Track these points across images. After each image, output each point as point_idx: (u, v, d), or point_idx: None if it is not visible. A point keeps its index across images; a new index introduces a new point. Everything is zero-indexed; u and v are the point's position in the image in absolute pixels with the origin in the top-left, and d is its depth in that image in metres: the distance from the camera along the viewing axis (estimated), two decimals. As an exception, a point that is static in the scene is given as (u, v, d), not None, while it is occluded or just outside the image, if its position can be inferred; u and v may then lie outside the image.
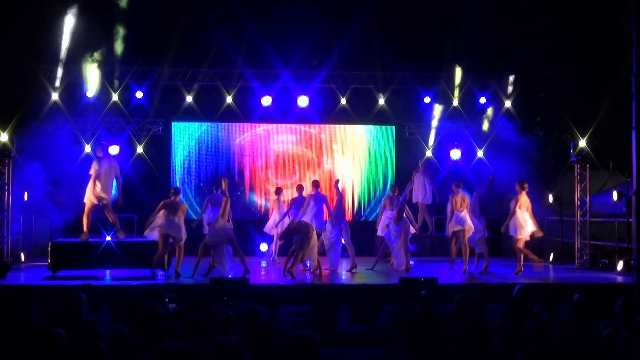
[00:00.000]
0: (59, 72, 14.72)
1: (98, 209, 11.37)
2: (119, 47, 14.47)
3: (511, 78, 15.90)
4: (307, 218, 11.57)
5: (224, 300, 8.64)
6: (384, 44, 15.00)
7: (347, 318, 9.53)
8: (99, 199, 11.12)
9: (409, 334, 7.03)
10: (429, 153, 15.88)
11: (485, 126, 15.84)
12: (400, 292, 9.35)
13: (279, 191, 13.78)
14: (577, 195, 13.48)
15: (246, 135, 16.03)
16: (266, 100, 15.40)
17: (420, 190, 14.41)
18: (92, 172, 11.11)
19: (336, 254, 11.93)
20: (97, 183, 11.06)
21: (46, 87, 14.72)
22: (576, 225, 13.42)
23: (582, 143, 13.63)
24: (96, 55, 14.46)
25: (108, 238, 11.08)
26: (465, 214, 11.89)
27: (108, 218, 11.38)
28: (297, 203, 12.35)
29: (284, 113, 15.85)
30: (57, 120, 14.96)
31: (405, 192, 12.36)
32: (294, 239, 11.30)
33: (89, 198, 11.16)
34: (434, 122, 15.83)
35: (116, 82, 15.06)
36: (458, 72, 15.66)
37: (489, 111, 15.82)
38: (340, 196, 12.07)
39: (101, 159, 11.22)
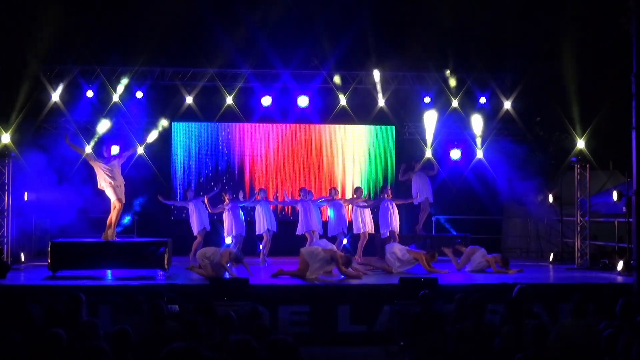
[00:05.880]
0: (59, 72, 14.73)
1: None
2: (119, 47, 14.47)
3: (511, 78, 15.88)
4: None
5: (224, 300, 8.64)
6: (384, 44, 14.99)
7: (347, 318, 9.53)
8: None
9: (409, 334, 7.04)
10: (429, 153, 15.85)
11: (485, 126, 15.81)
12: (400, 292, 9.37)
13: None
14: (577, 195, 13.47)
15: (246, 135, 16.03)
16: (266, 100, 15.38)
17: (424, 189, 14.47)
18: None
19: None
20: (105, 182, 11.11)
21: (46, 87, 14.72)
22: (576, 225, 13.42)
23: (582, 143, 13.62)
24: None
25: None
26: None
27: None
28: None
29: (284, 113, 15.83)
30: (57, 120, 14.95)
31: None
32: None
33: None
34: (434, 122, 15.79)
35: (116, 81, 15.04)
36: (458, 72, 15.65)
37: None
38: None
39: (106, 158, 11.25)
